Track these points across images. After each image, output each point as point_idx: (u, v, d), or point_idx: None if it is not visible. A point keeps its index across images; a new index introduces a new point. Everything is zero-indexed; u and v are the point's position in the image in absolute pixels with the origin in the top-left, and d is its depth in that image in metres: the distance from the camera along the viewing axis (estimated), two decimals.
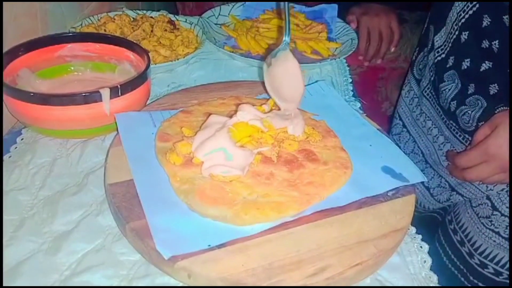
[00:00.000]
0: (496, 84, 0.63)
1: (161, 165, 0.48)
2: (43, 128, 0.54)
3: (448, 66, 0.71)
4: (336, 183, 0.48)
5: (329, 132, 0.55)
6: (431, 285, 0.42)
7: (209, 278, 0.38)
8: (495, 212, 0.67)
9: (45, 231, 0.44)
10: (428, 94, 0.79)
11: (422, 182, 0.79)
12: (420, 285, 0.42)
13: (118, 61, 0.62)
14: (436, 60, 0.75)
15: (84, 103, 0.51)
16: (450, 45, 0.71)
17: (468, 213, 0.71)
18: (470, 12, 0.67)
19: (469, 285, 0.71)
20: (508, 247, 0.65)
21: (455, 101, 0.69)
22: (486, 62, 0.64)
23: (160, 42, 0.76)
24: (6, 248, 0.42)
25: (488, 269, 0.68)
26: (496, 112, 0.63)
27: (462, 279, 0.72)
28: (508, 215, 0.65)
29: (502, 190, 0.66)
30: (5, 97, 0.52)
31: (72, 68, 0.63)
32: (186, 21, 0.85)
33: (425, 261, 0.44)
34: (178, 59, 0.73)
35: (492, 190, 0.67)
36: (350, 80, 0.77)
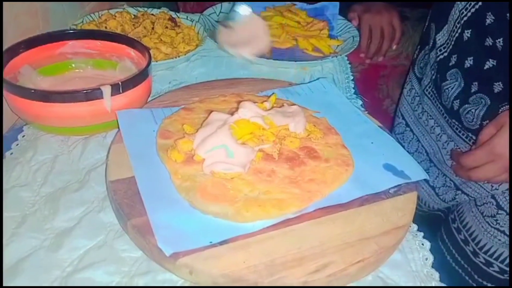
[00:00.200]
0: (500, 83, 0.63)
1: (163, 162, 0.48)
2: (45, 125, 0.54)
3: (450, 64, 0.71)
4: (337, 181, 0.47)
5: (331, 129, 0.55)
6: (433, 282, 0.42)
7: (211, 274, 0.38)
8: (500, 211, 0.67)
9: (47, 227, 0.44)
10: (429, 93, 0.78)
11: (427, 182, 0.79)
12: (421, 283, 0.42)
13: (119, 58, 0.62)
14: (438, 59, 0.74)
15: (85, 100, 0.51)
16: (452, 43, 0.71)
17: (472, 212, 0.71)
18: (473, 10, 0.66)
19: (474, 284, 0.71)
20: None
21: (458, 100, 0.69)
22: (490, 60, 0.63)
23: (161, 39, 0.76)
24: (8, 245, 0.42)
25: (494, 267, 0.68)
26: (500, 110, 0.62)
27: (467, 277, 0.72)
28: None
29: (507, 189, 0.66)
30: (6, 94, 0.52)
31: (73, 65, 0.63)
32: (187, 18, 0.85)
33: (426, 259, 0.44)
34: (179, 57, 0.73)
35: (498, 189, 0.67)
36: (352, 78, 0.76)
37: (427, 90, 0.79)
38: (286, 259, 0.39)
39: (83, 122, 0.53)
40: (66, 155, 0.53)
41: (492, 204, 0.68)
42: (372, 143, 0.55)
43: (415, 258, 0.45)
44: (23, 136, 0.56)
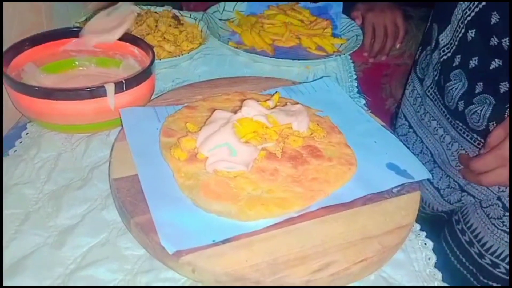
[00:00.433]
0: (506, 82, 0.62)
1: (166, 160, 0.48)
2: (48, 123, 0.54)
3: (454, 65, 0.70)
4: (340, 180, 0.47)
5: (334, 128, 0.55)
6: (436, 282, 0.42)
7: (214, 273, 0.38)
8: (507, 213, 0.66)
9: (50, 225, 0.44)
10: (431, 94, 0.78)
11: (432, 183, 0.79)
12: (424, 282, 0.42)
13: (123, 56, 0.62)
14: (441, 59, 0.74)
15: (89, 97, 0.51)
16: (456, 43, 0.70)
17: (477, 213, 0.70)
18: (476, 9, 0.66)
19: (479, 285, 0.70)
20: None
21: (462, 101, 0.68)
22: (496, 60, 0.63)
23: (165, 38, 0.76)
24: (11, 242, 0.42)
25: (500, 268, 0.67)
26: (506, 110, 0.62)
27: (472, 279, 0.71)
28: None
29: None
30: (10, 91, 0.52)
31: (77, 63, 0.63)
32: (190, 17, 0.85)
33: (429, 258, 0.44)
34: (182, 55, 0.73)
35: (504, 191, 0.66)
36: (355, 77, 0.76)
37: (429, 91, 0.79)
38: (289, 258, 0.39)
39: (86, 120, 0.53)
40: (69, 153, 0.53)
41: (498, 206, 0.67)
42: (375, 142, 0.55)
43: (418, 257, 0.44)
44: (27, 133, 0.56)
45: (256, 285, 0.38)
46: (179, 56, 0.73)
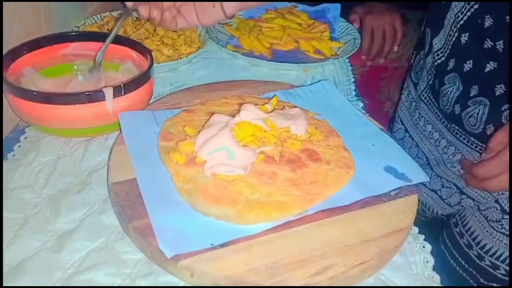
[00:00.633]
0: (502, 85, 0.62)
1: (164, 164, 0.48)
2: (47, 127, 0.54)
3: (448, 69, 0.71)
4: (339, 183, 0.48)
5: (332, 131, 0.55)
6: (434, 285, 0.42)
7: (212, 277, 0.38)
8: (505, 216, 0.66)
9: (49, 229, 0.44)
10: (425, 98, 0.78)
11: (428, 187, 0.79)
12: (423, 285, 0.42)
13: (121, 60, 0.63)
14: (435, 63, 0.74)
15: (88, 102, 0.51)
16: (449, 47, 0.70)
17: (475, 216, 0.70)
18: (469, 13, 0.66)
19: (478, 287, 0.70)
20: None
21: (459, 104, 0.68)
22: (491, 63, 0.63)
23: (163, 42, 0.76)
24: (10, 246, 0.42)
25: (500, 270, 0.67)
26: (503, 113, 0.62)
27: (471, 281, 0.71)
28: None
29: None
30: (8, 96, 0.52)
31: (76, 67, 0.63)
32: None
33: (427, 261, 0.44)
34: (181, 59, 0.73)
35: (504, 194, 0.66)
36: (353, 80, 0.77)
37: (423, 95, 0.79)
38: (288, 261, 0.39)
39: (85, 124, 0.53)
40: (68, 157, 0.53)
41: (496, 209, 0.67)
42: (373, 145, 0.55)
43: (416, 260, 0.44)
44: (25, 137, 0.56)
45: (255, 287, 0.38)
46: (177, 60, 0.73)
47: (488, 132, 0.65)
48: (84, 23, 0.78)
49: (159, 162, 0.48)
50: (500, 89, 0.63)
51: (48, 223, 0.45)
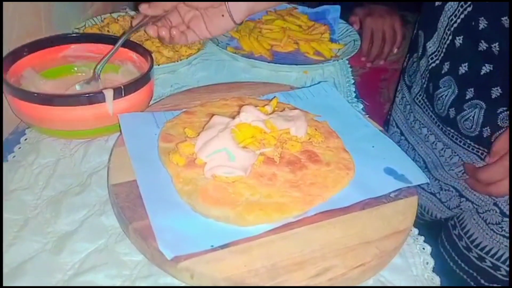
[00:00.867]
0: (498, 87, 0.62)
1: (164, 165, 0.48)
2: (47, 129, 0.54)
3: (443, 72, 0.70)
4: (338, 184, 0.48)
5: (332, 133, 0.55)
6: (434, 286, 0.42)
7: (212, 278, 0.38)
8: (505, 219, 0.66)
9: (49, 230, 0.44)
10: (420, 102, 0.78)
11: (429, 191, 0.79)
12: (423, 287, 0.42)
13: (122, 62, 0.63)
14: (430, 67, 0.73)
15: (88, 103, 0.51)
16: (444, 50, 0.70)
17: (474, 219, 0.70)
18: (462, 16, 0.65)
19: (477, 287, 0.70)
20: None
21: (453, 108, 0.68)
22: (486, 65, 0.63)
23: (163, 43, 0.76)
24: (10, 248, 0.42)
25: (501, 271, 0.67)
26: (499, 115, 0.62)
27: (472, 283, 0.71)
28: None
29: None
30: (9, 97, 0.52)
31: (76, 68, 0.63)
32: None
33: (427, 263, 0.44)
34: (181, 60, 0.73)
35: (503, 196, 0.66)
36: (353, 81, 0.77)
37: (417, 99, 0.79)
38: (288, 263, 0.39)
39: (85, 126, 0.53)
40: (68, 159, 0.53)
41: (496, 212, 0.67)
42: (373, 147, 0.55)
43: (416, 262, 0.44)
44: (26, 139, 0.56)
45: (254, 287, 0.38)
46: (177, 61, 0.73)
47: (485, 135, 0.65)
48: (85, 25, 0.78)
49: (159, 163, 0.48)
50: (496, 92, 0.62)
51: (48, 225, 0.45)
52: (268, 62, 0.78)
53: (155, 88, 0.62)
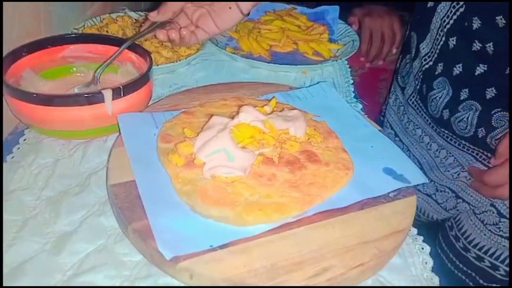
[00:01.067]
0: (493, 88, 0.62)
1: (163, 166, 0.48)
2: (46, 129, 0.54)
3: (437, 73, 0.70)
4: (337, 184, 0.48)
5: (331, 133, 0.55)
6: (433, 286, 0.42)
7: (211, 278, 0.38)
8: (502, 219, 0.66)
9: (48, 231, 0.44)
10: (413, 103, 0.77)
11: (425, 192, 0.79)
12: (421, 286, 0.42)
13: (121, 62, 0.63)
14: (423, 68, 0.73)
15: (87, 104, 0.51)
16: (437, 51, 0.69)
17: (471, 220, 0.70)
18: (455, 16, 0.65)
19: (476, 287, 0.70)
20: None
21: (447, 109, 0.67)
22: (481, 65, 0.62)
23: (162, 43, 0.77)
24: (9, 248, 0.42)
25: (500, 271, 0.67)
26: (493, 115, 0.62)
27: (471, 283, 0.71)
28: None
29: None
30: (8, 98, 0.52)
31: (75, 69, 0.63)
32: None
33: (426, 263, 0.44)
34: (180, 60, 0.73)
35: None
36: (352, 82, 0.77)
37: (410, 100, 0.78)
38: (287, 263, 0.39)
39: (84, 126, 0.53)
40: (67, 159, 0.53)
41: (493, 213, 0.67)
42: (372, 147, 0.55)
43: (415, 262, 0.45)
44: (24, 139, 0.56)
45: (253, 287, 0.38)
46: (176, 62, 0.73)
47: (480, 135, 0.65)
48: (84, 25, 0.78)
49: (158, 164, 0.48)
50: (491, 92, 0.62)
51: (48, 225, 0.45)
52: (267, 62, 0.78)
53: (154, 88, 0.62)
